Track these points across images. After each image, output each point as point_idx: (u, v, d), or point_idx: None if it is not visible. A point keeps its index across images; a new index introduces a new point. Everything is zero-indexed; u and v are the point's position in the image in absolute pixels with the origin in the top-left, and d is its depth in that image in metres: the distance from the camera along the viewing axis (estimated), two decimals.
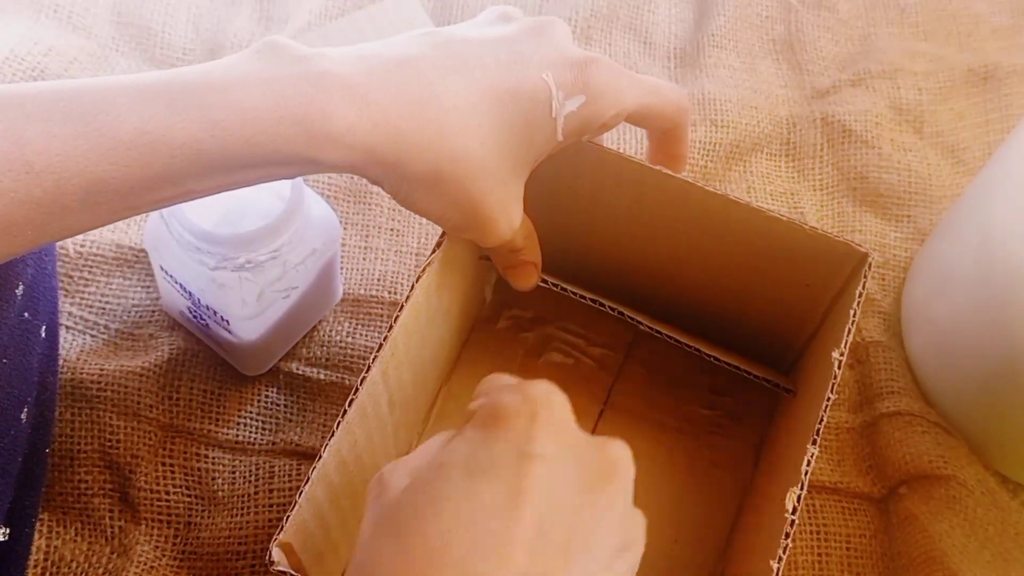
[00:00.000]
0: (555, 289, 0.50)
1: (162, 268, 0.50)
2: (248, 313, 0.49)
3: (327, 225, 0.51)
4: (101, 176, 0.33)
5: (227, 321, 0.49)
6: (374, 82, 0.36)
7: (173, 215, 0.45)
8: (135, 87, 0.34)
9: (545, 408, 0.33)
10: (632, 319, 0.48)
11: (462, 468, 0.32)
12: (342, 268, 0.57)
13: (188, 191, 0.36)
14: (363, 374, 0.41)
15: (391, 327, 0.42)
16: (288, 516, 0.38)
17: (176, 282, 0.50)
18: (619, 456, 0.34)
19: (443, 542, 0.30)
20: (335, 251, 0.52)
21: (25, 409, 0.45)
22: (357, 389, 0.41)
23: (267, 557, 0.37)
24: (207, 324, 0.51)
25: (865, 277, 0.44)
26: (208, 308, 0.49)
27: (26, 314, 0.45)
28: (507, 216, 0.41)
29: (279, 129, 0.35)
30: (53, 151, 0.33)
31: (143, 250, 0.57)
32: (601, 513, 0.33)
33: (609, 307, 0.48)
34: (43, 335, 0.47)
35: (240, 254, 0.46)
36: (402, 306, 0.43)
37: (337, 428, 0.40)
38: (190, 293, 0.49)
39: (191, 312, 0.52)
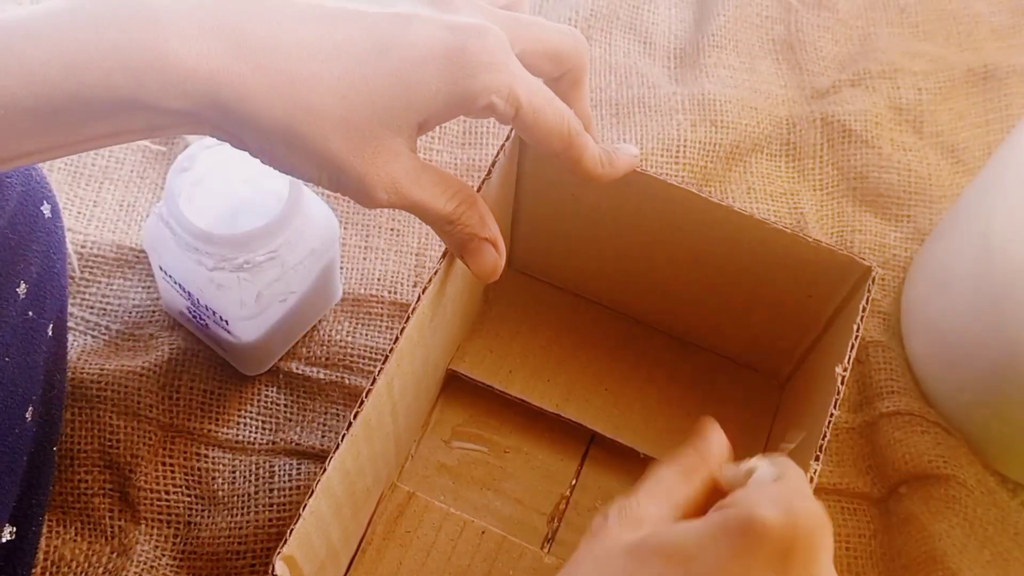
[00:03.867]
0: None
1: (161, 268, 0.50)
2: (247, 314, 0.49)
3: (326, 225, 0.51)
4: None
5: (226, 321, 0.49)
6: (214, 24, 0.32)
7: (172, 215, 0.45)
8: None
9: (808, 544, 0.27)
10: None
11: (683, 572, 0.28)
12: (342, 268, 0.57)
13: (29, 152, 0.33)
14: (368, 386, 0.40)
15: (397, 339, 0.42)
16: (292, 529, 0.38)
17: (175, 282, 0.50)
18: None
19: None
20: (334, 251, 0.52)
21: (30, 408, 0.45)
22: (362, 402, 0.40)
23: (270, 570, 0.37)
24: (207, 324, 0.51)
25: (869, 291, 0.43)
26: (207, 308, 0.49)
27: (30, 312, 0.45)
28: (385, 178, 0.36)
29: (109, 78, 0.31)
30: None
31: (143, 251, 0.57)
32: None
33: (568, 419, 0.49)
34: (50, 333, 0.47)
35: (238, 254, 0.46)
36: (408, 317, 0.42)
37: (342, 441, 0.39)
38: (189, 293, 0.49)
39: (191, 312, 0.52)
